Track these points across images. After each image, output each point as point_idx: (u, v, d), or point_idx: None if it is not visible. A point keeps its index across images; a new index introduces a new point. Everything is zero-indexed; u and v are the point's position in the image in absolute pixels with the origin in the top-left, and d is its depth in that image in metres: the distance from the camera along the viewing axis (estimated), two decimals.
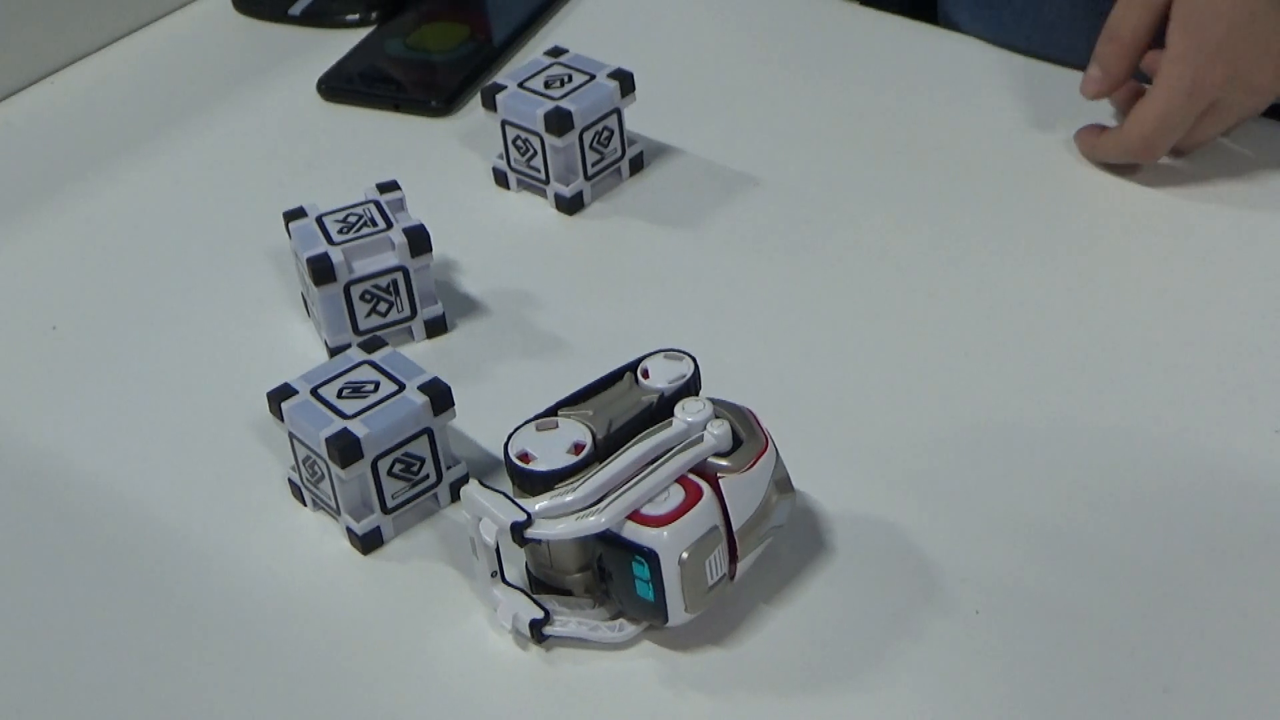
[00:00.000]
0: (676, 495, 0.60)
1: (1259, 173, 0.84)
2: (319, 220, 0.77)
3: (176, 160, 0.95)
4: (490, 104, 0.86)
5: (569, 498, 0.60)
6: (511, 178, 0.88)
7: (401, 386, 0.67)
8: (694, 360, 0.66)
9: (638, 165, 0.89)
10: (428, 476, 0.68)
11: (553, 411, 0.64)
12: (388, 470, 0.66)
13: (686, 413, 0.62)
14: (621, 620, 0.62)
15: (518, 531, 0.59)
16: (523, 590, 0.63)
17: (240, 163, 0.94)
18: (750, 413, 0.63)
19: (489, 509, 0.60)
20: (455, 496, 0.70)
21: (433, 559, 0.68)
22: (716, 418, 0.62)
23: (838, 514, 0.67)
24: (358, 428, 0.65)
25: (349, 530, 0.68)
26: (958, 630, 0.62)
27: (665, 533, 0.58)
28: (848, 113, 0.93)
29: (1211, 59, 0.79)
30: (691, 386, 0.65)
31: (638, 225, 0.85)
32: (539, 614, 0.62)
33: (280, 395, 0.68)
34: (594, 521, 0.59)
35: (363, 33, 1.04)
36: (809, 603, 0.63)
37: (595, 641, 0.62)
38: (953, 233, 0.82)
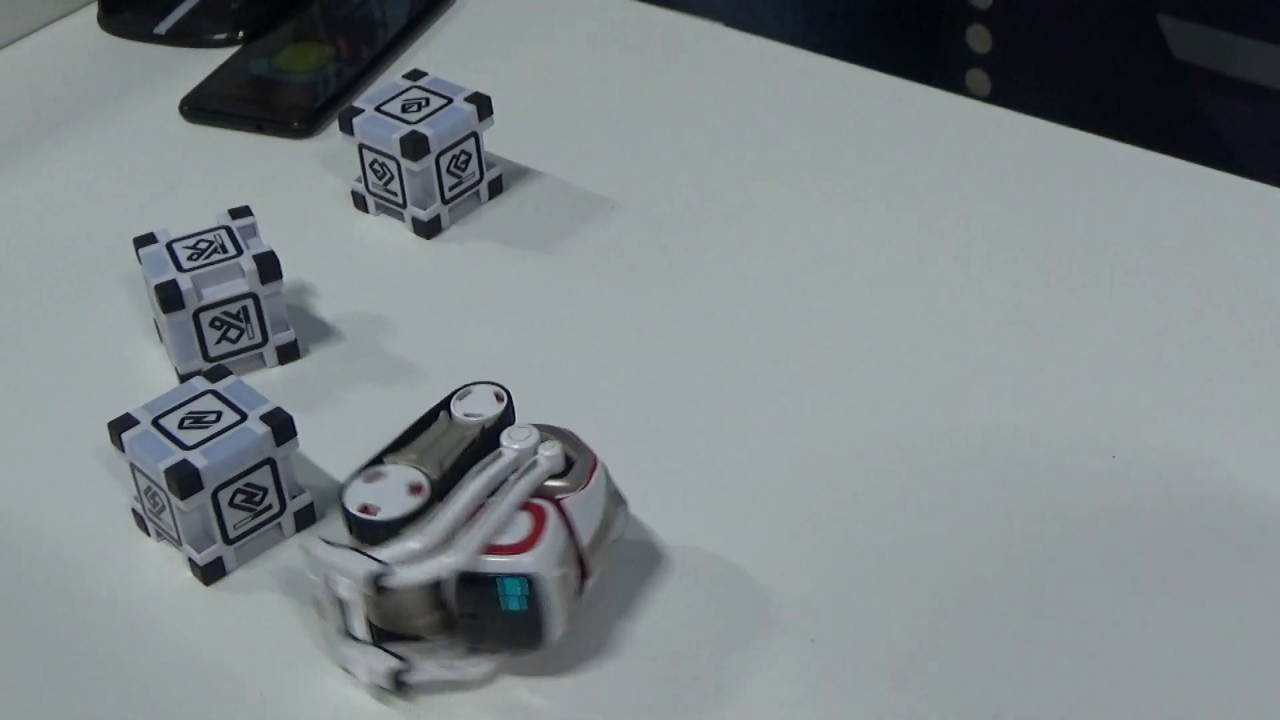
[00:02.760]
0: (524, 521, 0.60)
1: (1096, 188, 0.86)
2: (169, 246, 0.77)
3: (33, 181, 0.94)
4: (347, 128, 0.86)
5: (416, 544, 0.59)
6: (370, 201, 0.88)
7: (244, 416, 0.67)
8: (505, 389, 0.66)
9: (497, 189, 0.89)
10: (271, 506, 0.68)
11: (377, 461, 0.64)
12: (229, 501, 0.66)
13: (514, 440, 0.63)
14: (478, 656, 0.62)
15: (377, 582, 0.59)
16: (373, 644, 0.62)
17: (99, 185, 0.93)
18: (572, 434, 0.64)
19: (342, 565, 0.59)
20: (300, 526, 0.69)
21: (276, 590, 0.67)
22: (544, 440, 0.63)
23: (673, 540, 0.68)
24: (197, 458, 0.65)
25: (190, 561, 0.67)
26: (793, 658, 0.62)
27: (533, 556, 0.59)
28: (706, 135, 0.93)
29: None
30: (508, 416, 0.66)
31: (496, 249, 0.85)
32: (397, 664, 0.61)
33: (121, 425, 0.67)
34: (453, 561, 0.59)
35: (229, 52, 1.04)
36: (641, 628, 0.64)
37: (458, 680, 0.62)
38: (806, 261, 0.83)
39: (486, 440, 0.64)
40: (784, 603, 0.65)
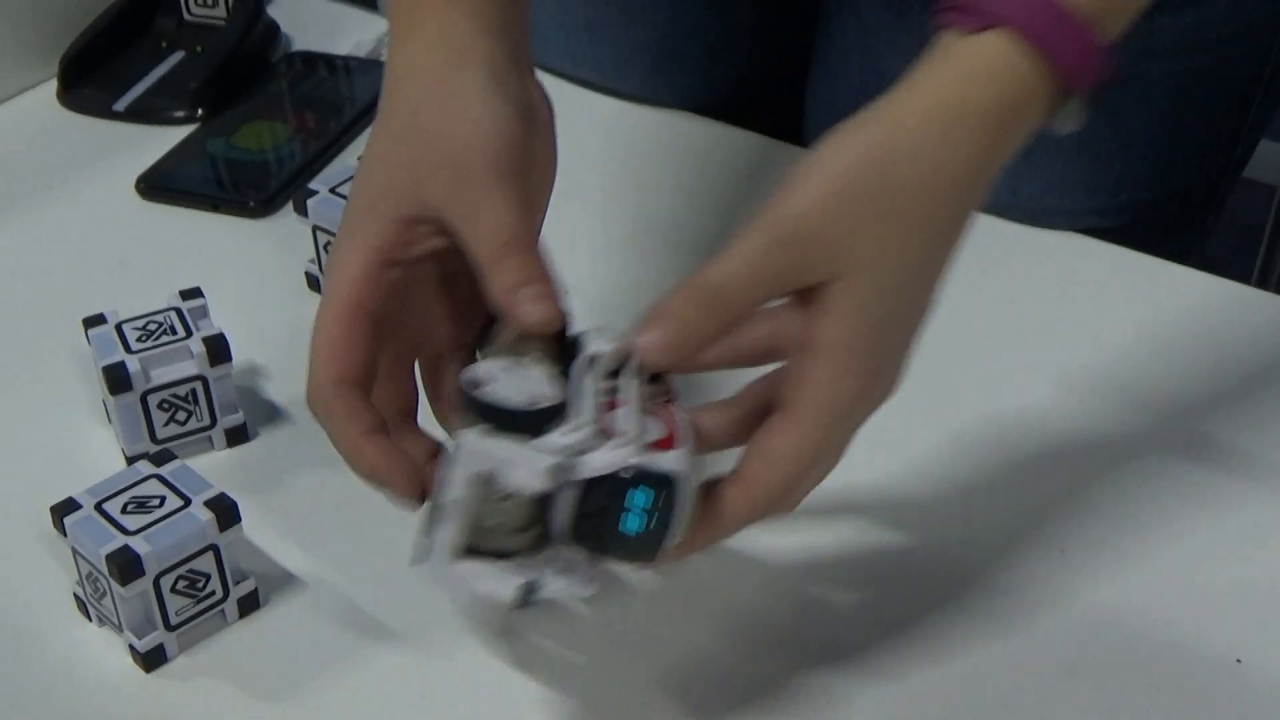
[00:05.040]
0: (652, 421, 0.55)
1: (1043, 277, 0.86)
2: (118, 327, 0.77)
3: None
4: (301, 209, 0.86)
5: (572, 438, 0.54)
6: (323, 282, 0.88)
7: (187, 502, 0.67)
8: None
9: None
10: (214, 593, 0.67)
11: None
12: (171, 587, 0.66)
13: (601, 342, 0.57)
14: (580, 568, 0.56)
15: (559, 477, 0.53)
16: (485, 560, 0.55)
17: (53, 262, 0.93)
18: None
19: (516, 458, 0.53)
20: (243, 613, 0.69)
21: (218, 677, 0.67)
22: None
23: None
24: (139, 544, 0.65)
25: (131, 647, 0.67)
26: None
27: (678, 455, 0.54)
28: (662, 219, 0.93)
29: None
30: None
31: None
32: (525, 578, 0.55)
33: (63, 510, 0.67)
34: (630, 450, 0.53)
35: (188, 130, 1.04)
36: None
37: (578, 596, 0.57)
38: None
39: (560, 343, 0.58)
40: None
